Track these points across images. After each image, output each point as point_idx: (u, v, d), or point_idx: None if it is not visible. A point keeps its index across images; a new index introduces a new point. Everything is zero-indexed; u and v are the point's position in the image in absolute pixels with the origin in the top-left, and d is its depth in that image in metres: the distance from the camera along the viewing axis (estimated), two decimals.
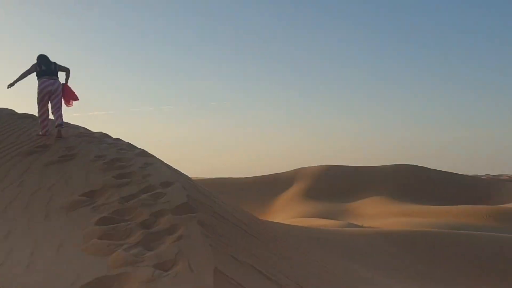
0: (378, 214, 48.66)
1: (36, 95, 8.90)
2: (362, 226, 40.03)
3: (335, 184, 60.50)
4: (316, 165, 67.52)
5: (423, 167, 68.70)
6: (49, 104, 8.97)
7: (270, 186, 63.31)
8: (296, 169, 66.99)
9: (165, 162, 7.36)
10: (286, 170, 67.40)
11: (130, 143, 8.08)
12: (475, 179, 73.92)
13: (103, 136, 8.87)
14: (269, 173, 68.48)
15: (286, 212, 50.97)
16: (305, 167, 67.12)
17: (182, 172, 7.60)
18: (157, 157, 7.30)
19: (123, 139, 8.56)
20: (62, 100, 9.06)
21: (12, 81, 8.99)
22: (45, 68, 8.95)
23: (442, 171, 68.27)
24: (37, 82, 8.95)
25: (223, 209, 5.95)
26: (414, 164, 68.13)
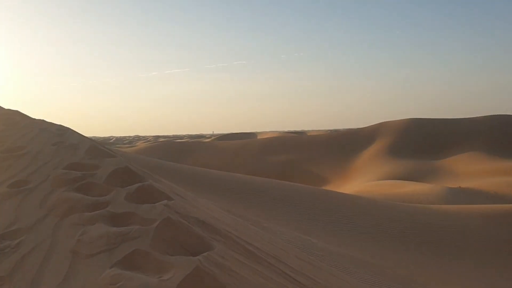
0: (474, 173, 43.07)
1: None
2: (459, 188, 35.18)
3: (422, 140, 54.81)
4: (399, 118, 61.78)
5: None
6: None
7: (349, 143, 58.74)
8: (378, 123, 61.50)
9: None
10: (365, 125, 62.41)
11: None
12: None
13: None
14: (347, 128, 63.94)
15: (368, 173, 46.55)
16: (388, 121, 61.43)
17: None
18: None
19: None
20: None
21: None
22: None
23: None
24: None
25: None
26: None
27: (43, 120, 5.42)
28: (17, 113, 5.89)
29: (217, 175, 17.37)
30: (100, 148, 4.09)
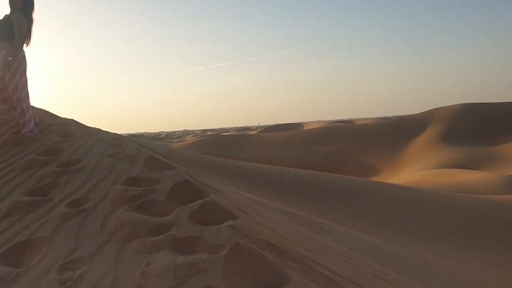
0: None
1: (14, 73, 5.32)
2: None
3: (477, 125, 52.43)
4: (452, 104, 59.28)
5: None
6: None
7: (399, 131, 57.04)
8: (430, 109, 59.30)
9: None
10: (416, 112, 60.28)
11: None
12: None
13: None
14: (396, 115, 61.96)
15: (420, 162, 45.03)
16: (441, 107, 59.14)
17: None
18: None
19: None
20: None
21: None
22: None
23: None
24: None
25: None
26: None
27: (98, 129, 5.36)
28: (72, 122, 5.87)
29: (268, 170, 17.21)
30: (158, 159, 3.94)
